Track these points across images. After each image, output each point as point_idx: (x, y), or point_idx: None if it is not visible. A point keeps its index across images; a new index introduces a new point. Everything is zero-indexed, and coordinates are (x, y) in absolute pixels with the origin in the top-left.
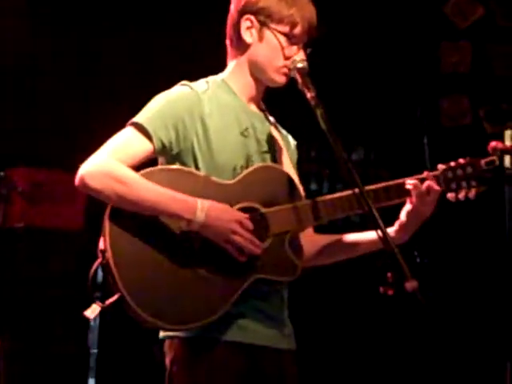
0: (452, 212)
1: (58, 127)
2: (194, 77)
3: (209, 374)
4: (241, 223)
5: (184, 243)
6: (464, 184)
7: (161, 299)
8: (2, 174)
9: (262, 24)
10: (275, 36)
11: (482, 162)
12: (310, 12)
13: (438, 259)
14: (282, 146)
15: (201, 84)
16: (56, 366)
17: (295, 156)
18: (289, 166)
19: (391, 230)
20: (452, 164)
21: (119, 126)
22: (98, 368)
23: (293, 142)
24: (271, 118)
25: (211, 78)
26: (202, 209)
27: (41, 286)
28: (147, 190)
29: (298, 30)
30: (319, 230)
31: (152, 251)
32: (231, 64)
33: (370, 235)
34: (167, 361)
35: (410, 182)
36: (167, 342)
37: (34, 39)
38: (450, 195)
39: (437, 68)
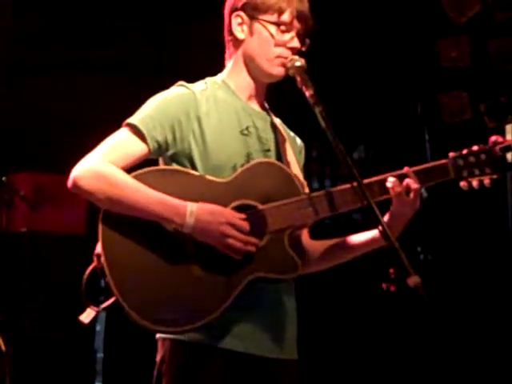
0: (455, 208)
1: (60, 132)
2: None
3: (198, 379)
4: (233, 225)
5: (177, 245)
6: (477, 171)
7: (155, 301)
8: (4, 179)
9: (251, 18)
10: (264, 27)
11: (497, 148)
12: None
13: (441, 256)
14: (288, 146)
15: (199, 84)
16: (62, 371)
17: (302, 157)
18: (294, 165)
19: (375, 232)
20: (464, 151)
21: (116, 128)
22: (105, 372)
23: (300, 143)
24: (276, 119)
25: (210, 79)
26: (191, 213)
27: (44, 290)
28: (137, 193)
29: (286, 17)
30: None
31: (145, 253)
32: (229, 64)
33: (367, 235)
34: (157, 359)
35: (389, 180)
36: (160, 342)
37: (39, 43)
38: (463, 184)
39: (436, 63)
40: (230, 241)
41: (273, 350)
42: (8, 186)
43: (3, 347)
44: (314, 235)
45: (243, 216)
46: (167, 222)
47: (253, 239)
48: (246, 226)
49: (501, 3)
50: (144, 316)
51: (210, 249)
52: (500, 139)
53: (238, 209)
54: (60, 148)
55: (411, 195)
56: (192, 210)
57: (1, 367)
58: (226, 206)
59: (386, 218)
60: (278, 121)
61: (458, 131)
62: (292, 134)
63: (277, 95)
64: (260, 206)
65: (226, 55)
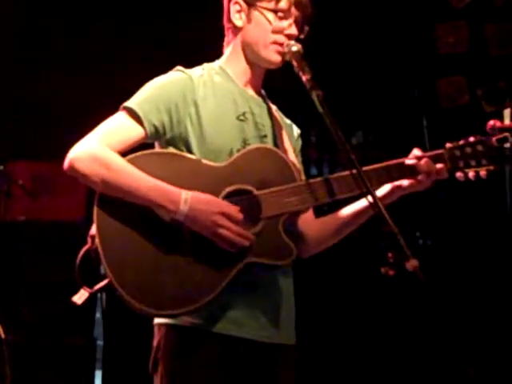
0: (454, 193)
1: (57, 120)
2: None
3: (193, 364)
4: (227, 215)
5: (173, 229)
6: (473, 163)
7: (148, 285)
8: (2, 168)
9: (249, 5)
10: (262, 14)
11: (494, 139)
12: None
13: (440, 241)
14: (284, 132)
15: (196, 70)
16: (62, 358)
17: (299, 144)
18: (290, 151)
19: (383, 189)
20: (461, 142)
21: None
22: (105, 359)
23: (297, 130)
24: (273, 106)
25: (207, 65)
26: (186, 201)
27: (44, 278)
28: (132, 178)
29: (284, 4)
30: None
31: (140, 236)
32: (227, 50)
33: (365, 202)
34: (154, 344)
35: (423, 161)
36: (156, 327)
37: (28, 32)
38: (459, 174)
39: (434, 49)
40: (223, 231)
41: (268, 334)
42: (6, 175)
43: (3, 335)
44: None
45: (238, 208)
46: (161, 208)
47: (245, 232)
48: (239, 216)
49: None
50: (137, 298)
51: (205, 237)
52: (498, 123)
53: (234, 194)
54: (58, 136)
55: (441, 176)
56: (187, 198)
57: (0, 355)
58: (221, 190)
59: (387, 188)
60: (274, 108)
61: (455, 116)
62: (288, 121)
63: (275, 81)
64: (255, 192)
65: (225, 42)
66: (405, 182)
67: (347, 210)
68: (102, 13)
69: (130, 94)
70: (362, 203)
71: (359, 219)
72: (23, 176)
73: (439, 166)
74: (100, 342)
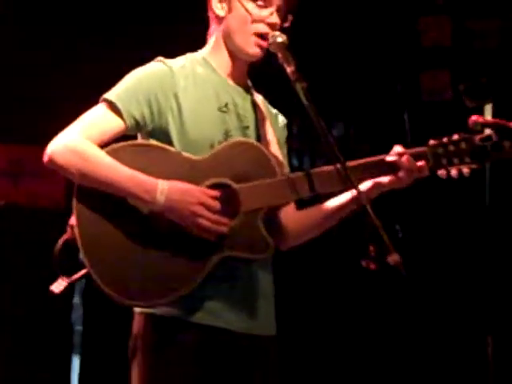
0: (433, 186)
1: (34, 103)
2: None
3: (171, 353)
4: (204, 204)
5: (151, 221)
6: (456, 160)
7: (125, 275)
8: None
9: None
10: (241, 3)
11: (477, 137)
12: None
13: (419, 233)
14: (268, 124)
15: (178, 60)
16: (39, 344)
17: (284, 135)
18: (273, 143)
19: (364, 186)
20: (444, 139)
21: (95, 101)
22: (83, 345)
23: (282, 120)
24: (259, 96)
25: (190, 55)
26: (162, 191)
27: (22, 263)
28: (109, 168)
29: None
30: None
31: (118, 227)
32: (210, 40)
33: (348, 195)
34: (133, 332)
35: (404, 157)
36: (136, 315)
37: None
38: (441, 172)
39: (417, 42)
40: (200, 220)
41: (246, 325)
42: None
43: None
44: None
45: (216, 194)
46: (137, 199)
47: (223, 219)
48: (217, 205)
49: None
50: (114, 289)
51: (183, 229)
52: (480, 119)
53: (213, 187)
54: (36, 119)
55: (422, 174)
56: (163, 188)
57: None
58: (200, 183)
59: (368, 184)
60: (260, 98)
61: (437, 110)
62: (275, 111)
63: (259, 71)
64: (234, 185)
65: (209, 32)
66: (385, 179)
67: (329, 204)
68: (100, 17)
69: (110, 79)
70: (344, 197)
71: (341, 213)
72: (1, 160)
73: (420, 163)
74: (78, 327)
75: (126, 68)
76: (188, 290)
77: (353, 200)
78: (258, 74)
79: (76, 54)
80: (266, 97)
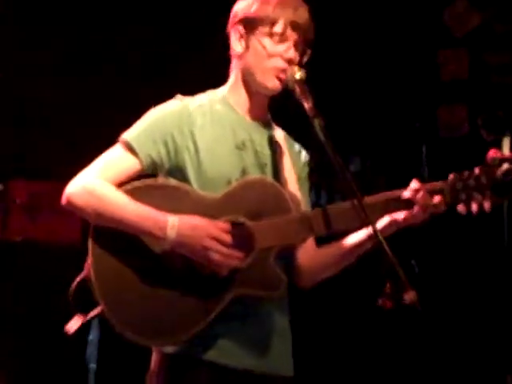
0: (450, 220)
1: (56, 139)
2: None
3: None
4: (215, 238)
5: (165, 261)
6: (476, 195)
7: (138, 315)
8: (1, 187)
9: (248, 31)
10: (258, 40)
11: (498, 171)
12: (294, 6)
13: (436, 269)
14: (288, 160)
15: (196, 98)
16: (54, 382)
17: (305, 171)
18: (291, 180)
19: (380, 223)
20: (464, 174)
21: (115, 139)
22: (97, 383)
23: (305, 157)
24: (280, 131)
25: (210, 92)
26: (173, 226)
27: (39, 299)
28: (122, 207)
29: (279, 27)
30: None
31: (133, 268)
32: (230, 78)
33: (365, 233)
34: (151, 368)
35: (420, 193)
36: (154, 352)
37: (30, 51)
38: (461, 207)
39: (436, 76)
40: (212, 254)
41: (258, 363)
42: (4, 193)
43: None
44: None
45: (227, 228)
46: (149, 235)
47: (236, 253)
48: (228, 239)
49: (500, 16)
50: (128, 328)
51: (195, 265)
52: (498, 153)
53: None
54: (57, 156)
55: (438, 210)
56: (174, 224)
57: None
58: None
59: (384, 220)
60: (281, 134)
61: (455, 144)
62: (297, 147)
63: (282, 106)
64: (248, 223)
65: (230, 68)
66: (400, 216)
67: (346, 242)
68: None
69: (127, 117)
70: (361, 234)
71: (358, 251)
72: (21, 195)
73: (436, 199)
74: (93, 365)
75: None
76: (201, 327)
77: (369, 237)
78: (279, 108)
79: (98, 93)
80: (287, 131)
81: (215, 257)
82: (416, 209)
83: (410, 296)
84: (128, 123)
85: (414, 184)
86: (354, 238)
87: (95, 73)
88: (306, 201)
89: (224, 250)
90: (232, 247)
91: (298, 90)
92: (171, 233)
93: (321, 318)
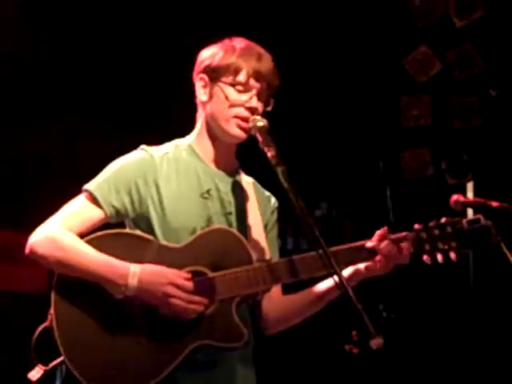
0: (418, 267)
1: (15, 188)
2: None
3: None
4: (176, 284)
5: (126, 309)
6: (441, 245)
7: (100, 365)
8: None
9: (212, 80)
10: (221, 88)
11: (464, 221)
12: (257, 56)
13: (405, 314)
14: (254, 207)
15: (162, 148)
16: None
17: (273, 218)
18: (256, 228)
19: (345, 272)
20: (430, 224)
21: (79, 189)
22: None
23: (273, 203)
24: (248, 178)
25: (177, 141)
26: (134, 274)
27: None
28: (85, 256)
29: (242, 77)
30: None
31: (94, 318)
32: (196, 126)
33: (330, 282)
34: None
35: (382, 244)
36: None
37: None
38: (426, 257)
39: (398, 121)
40: (173, 300)
41: None
42: None
43: None
44: None
45: (188, 276)
46: (111, 283)
47: (196, 298)
48: (189, 285)
49: (460, 62)
50: (88, 378)
51: (157, 315)
52: (461, 198)
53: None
54: (20, 205)
55: (402, 259)
56: (135, 272)
57: None
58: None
59: (362, 269)
60: (249, 181)
61: (419, 188)
62: (267, 193)
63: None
64: (210, 274)
65: (196, 117)
66: (363, 266)
67: (314, 290)
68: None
69: (90, 167)
70: (326, 284)
71: (324, 300)
72: None
73: (401, 248)
74: None
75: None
76: (162, 377)
77: (336, 286)
78: (248, 156)
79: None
80: (260, 176)
81: (176, 302)
82: (378, 258)
83: (375, 342)
84: (91, 175)
85: (379, 233)
86: (321, 287)
87: (58, 123)
88: (274, 247)
89: (185, 296)
90: (193, 294)
91: (260, 138)
92: (133, 281)
93: (288, 366)
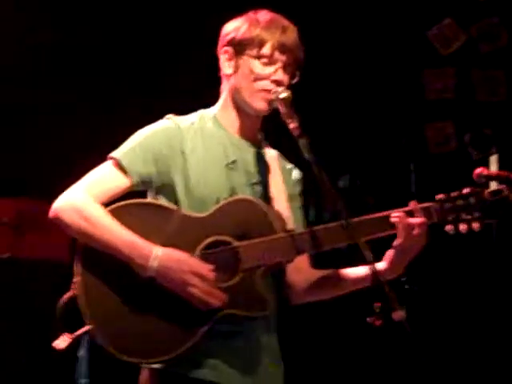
0: (442, 238)
1: (42, 157)
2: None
3: None
4: (197, 274)
5: (149, 282)
6: (464, 215)
7: (126, 333)
8: None
9: (237, 53)
10: (246, 62)
11: (487, 191)
12: (281, 28)
13: (428, 286)
14: (278, 179)
15: (188, 118)
16: None
17: (297, 189)
18: (280, 199)
19: (381, 264)
20: (453, 194)
21: (104, 158)
22: None
23: (296, 175)
24: (272, 151)
25: (202, 111)
26: (155, 257)
27: (25, 317)
28: (108, 230)
29: (267, 49)
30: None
31: (121, 288)
32: (220, 98)
33: (362, 271)
34: None
35: (394, 215)
36: (142, 370)
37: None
38: (449, 227)
39: (421, 95)
40: (191, 289)
41: (246, 382)
42: None
43: None
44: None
45: (211, 267)
46: (133, 263)
47: (215, 291)
48: (211, 275)
49: (485, 35)
50: (116, 347)
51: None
52: (485, 171)
53: (213, 245)
54: (45, 173)
55: (418, 230)
56: (157, 255)
57: None
58: (200, 241)
59: (390, 252)
60: (273, 153)
61: (443, 162)
62: (289, 165)
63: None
64: (235, 243)
65: (220, 89)
66: (395, 244)
67: (345, 275)
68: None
69: (121, 140)
70: (360, 272)
71: (355, 286)
72: (8, 212)
73: (416, 220)
74: (84, 380)
75: (137, 126)
76: (188, 346)
77: (368, 278)
78: (273, 128)
79: (85, 115)
80: (280, 150)
81: (194, 291)
82: (398, 231)
83: (398, 314)
84: (116, 141)
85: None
86: (352, 274)
87: (83, 87)
88: (297, 218)
89: (204, 286)
90: (217, 280)
91: (282, 110)
92: (153, 263)
93: (311, 336)
